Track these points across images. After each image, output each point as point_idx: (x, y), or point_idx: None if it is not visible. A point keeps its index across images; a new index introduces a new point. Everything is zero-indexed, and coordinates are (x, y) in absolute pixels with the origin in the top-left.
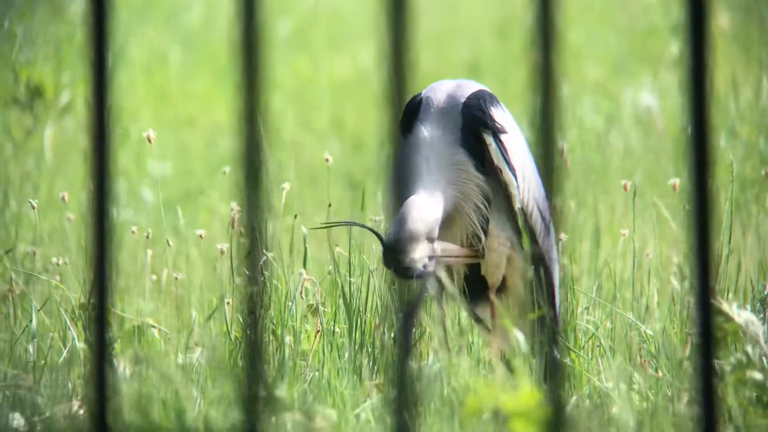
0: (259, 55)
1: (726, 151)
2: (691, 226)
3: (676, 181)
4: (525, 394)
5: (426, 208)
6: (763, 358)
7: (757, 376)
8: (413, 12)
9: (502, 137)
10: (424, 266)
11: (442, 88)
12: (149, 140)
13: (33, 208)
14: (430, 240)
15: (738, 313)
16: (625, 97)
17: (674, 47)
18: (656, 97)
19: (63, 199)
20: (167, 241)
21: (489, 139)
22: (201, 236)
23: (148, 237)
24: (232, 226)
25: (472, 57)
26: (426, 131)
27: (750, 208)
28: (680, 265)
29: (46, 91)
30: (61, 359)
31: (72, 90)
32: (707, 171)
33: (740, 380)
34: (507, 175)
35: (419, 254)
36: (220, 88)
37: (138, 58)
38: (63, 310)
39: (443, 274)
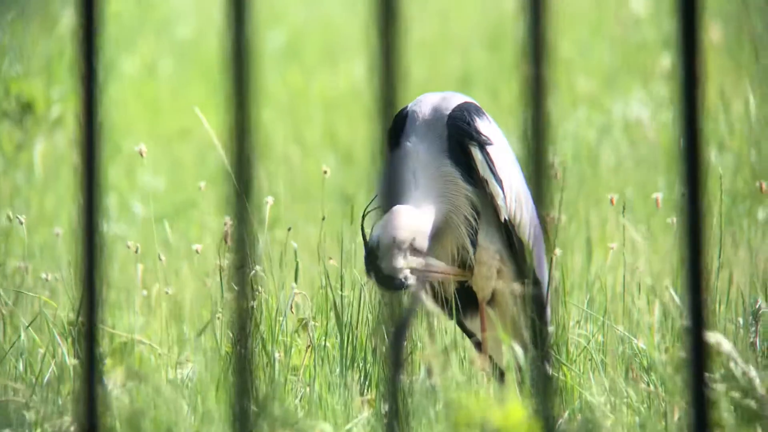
0: (250, 69)
1: (716, 164)
2: (682, 240)
3: (659, 195)
4: (513, 408)
5: (411, 216)
6: (745, 374)
7: (736, 394)
8: (404, 24)
9: (488, 149)
10: (405, 278)
11: (428, 101)
12: (141, 155)
13: (21, 223)
14: (416, 252)
15: (708, 334)
16: (616, 109)
17: (666, 60)
18: (648, 109)
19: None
20: (159, 256)
21: (475, 151)
22: (197, 251)
23: (137, 252)
24: (225, 241)
25: (463, 69)
26: (412, 144)
27: (741, 222)
28: (672, 279)
29: (37, 106)
30: (50, 374)
31: (62, 104)
32: (699, 184)
33: (729, 394)
34: (493, 186)
35: (401, 263)
36: (211, 102)
37: (129, 71)
38: (52, 326)
39: (426, 292)
